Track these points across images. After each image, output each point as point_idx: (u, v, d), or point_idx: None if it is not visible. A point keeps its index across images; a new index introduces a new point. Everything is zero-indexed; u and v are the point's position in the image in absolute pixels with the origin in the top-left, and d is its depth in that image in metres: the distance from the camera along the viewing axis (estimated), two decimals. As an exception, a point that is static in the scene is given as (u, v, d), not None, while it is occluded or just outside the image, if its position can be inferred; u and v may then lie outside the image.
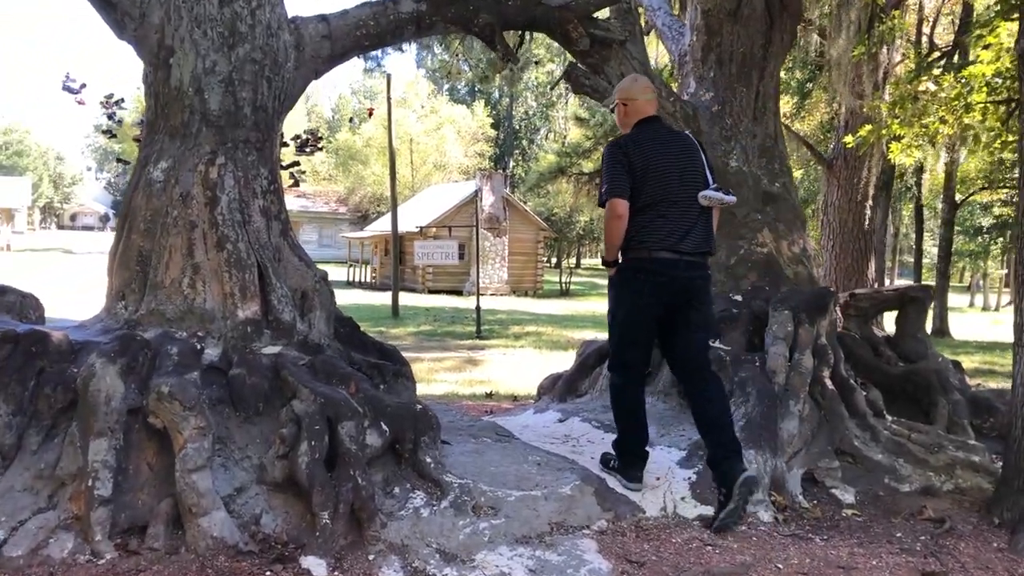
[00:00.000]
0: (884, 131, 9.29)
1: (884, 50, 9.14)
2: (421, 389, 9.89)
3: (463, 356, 12.79)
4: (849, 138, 9.45)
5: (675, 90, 5.93)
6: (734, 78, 5.70)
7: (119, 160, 7.37)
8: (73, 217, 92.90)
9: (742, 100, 5.66)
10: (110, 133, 5.72)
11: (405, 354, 4.78)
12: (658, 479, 4.03)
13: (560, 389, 5.96)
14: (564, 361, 12.21)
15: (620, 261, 3.87)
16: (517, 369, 11.40)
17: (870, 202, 11.46)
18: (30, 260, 36.23)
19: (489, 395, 8.84)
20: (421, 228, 29.51)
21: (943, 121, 8.78)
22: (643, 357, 3.97)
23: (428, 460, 3.59)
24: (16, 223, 64.60)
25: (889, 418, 4.94)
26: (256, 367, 3.63)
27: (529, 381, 10.14)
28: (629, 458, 3.96)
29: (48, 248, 46.03)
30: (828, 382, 4.68)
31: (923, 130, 8.98)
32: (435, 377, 10.70)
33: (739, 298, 5.23)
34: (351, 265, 38.25)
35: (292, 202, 51.58)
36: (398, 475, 3.57)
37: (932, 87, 8.48)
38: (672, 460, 4.24)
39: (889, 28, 8.80)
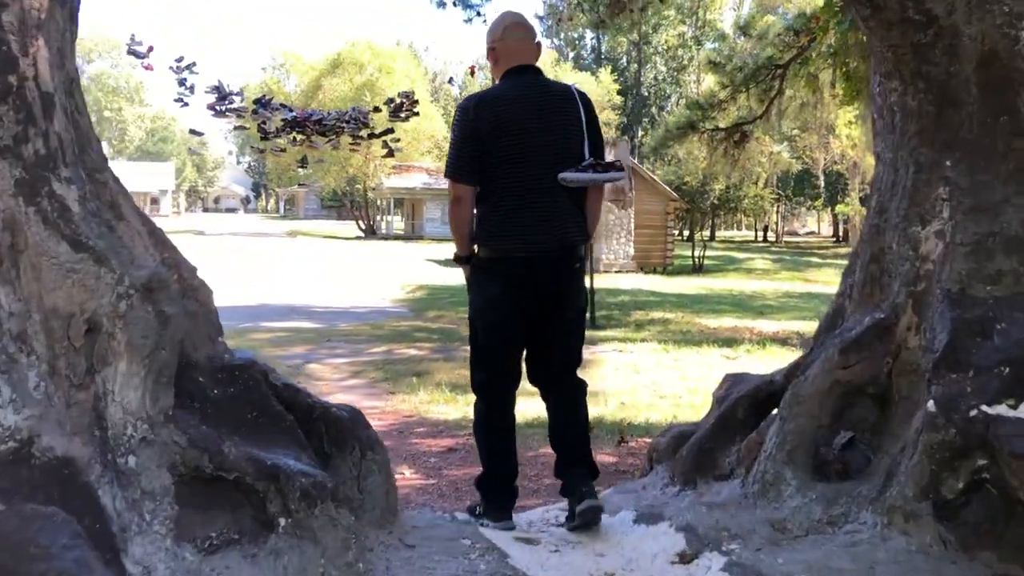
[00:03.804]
0: None
1: None
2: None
3: (571, 354, 10.37)
4: None
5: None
6: None
7: (253, 148, 6.89)
8: (217, 200, 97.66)
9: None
10: (182, 102, 4.73)
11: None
12: None
13: (686, 461, 3.47)
14: (694, 366, 9.59)
15: (473, 257, 3.22)
16: (634, 376, 8.91)
17: None
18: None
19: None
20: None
21: None
22: (512, 375, 3.27)
23: None
24: (161, 207, 67.31)
25: None
26: None
27: (647, 397, 7.73)
28: (497, 498, 3.29)
29: (183, 230, 47.02)
30: None
31: None
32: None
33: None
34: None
35: (415, 179, 50.07)
36: None
37: None
38: None
39: None
